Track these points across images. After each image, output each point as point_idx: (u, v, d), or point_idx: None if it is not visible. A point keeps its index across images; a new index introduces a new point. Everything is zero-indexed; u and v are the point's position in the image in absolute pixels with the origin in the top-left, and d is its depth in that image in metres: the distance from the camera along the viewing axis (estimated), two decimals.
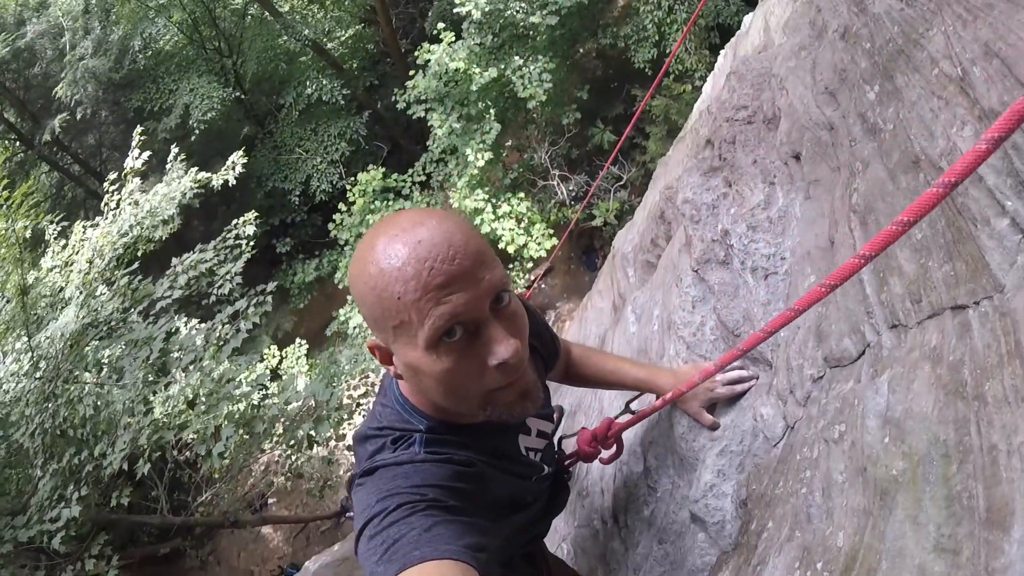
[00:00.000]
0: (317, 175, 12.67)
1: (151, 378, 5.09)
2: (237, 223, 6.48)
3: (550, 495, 1.59)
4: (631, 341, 2.67)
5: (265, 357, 11.81)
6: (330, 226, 11.15)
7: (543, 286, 12.42)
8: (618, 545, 2.10)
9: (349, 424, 8.09)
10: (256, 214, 6.71)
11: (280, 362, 12.06)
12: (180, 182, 6.17)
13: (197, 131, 11.95)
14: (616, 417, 1.79)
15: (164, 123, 12.42)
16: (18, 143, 13.49)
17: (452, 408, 1.11)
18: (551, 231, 9.91)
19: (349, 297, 11.67)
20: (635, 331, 2.69)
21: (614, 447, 1.70)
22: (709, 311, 1.82)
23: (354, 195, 10.56)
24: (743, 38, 2.78)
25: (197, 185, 6.24)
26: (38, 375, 4.88)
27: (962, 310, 0.97)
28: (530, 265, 10.78)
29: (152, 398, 4.98)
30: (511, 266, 10.88)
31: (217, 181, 6.47)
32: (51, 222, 6.78)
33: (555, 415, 1.56)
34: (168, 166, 6.69)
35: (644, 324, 2.56)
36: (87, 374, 5.23)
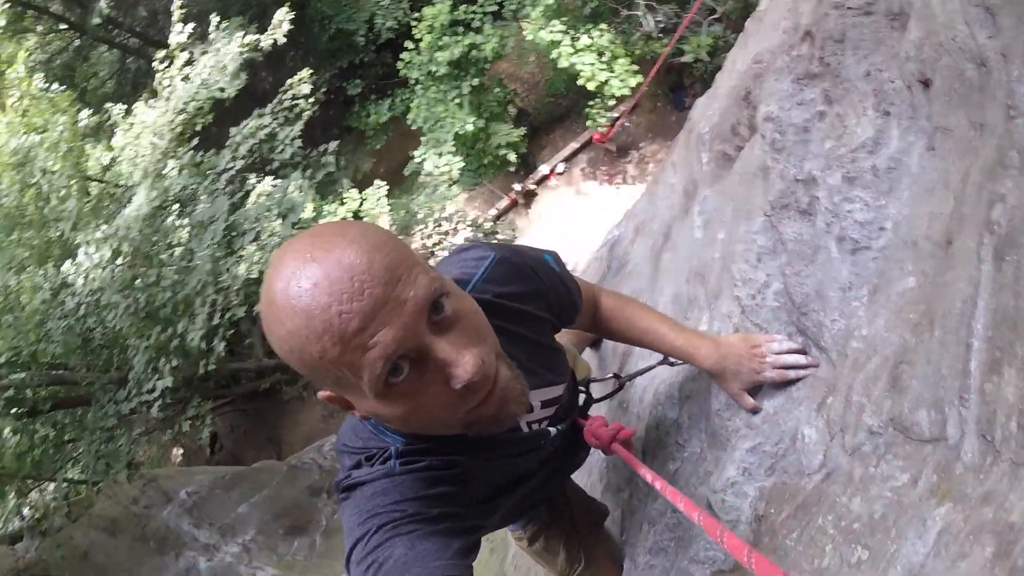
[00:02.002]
0: (381, 12, 11.88)
1: (219, 255, 5.17)
2: (292, 82, 6.15)
3: (565, 451, 1.47)
4: (693, 252, 2.33)
5: (345, 200, 11.98)
6: (398, 65, 10.58)
7: (627, 124, 11.57)
8: (643, 483, 1.98)
9: None
10: (311, 71, 6.34)
11: (361, 204, 12.25)
12: (227, 49, 5.82)
13: None
14: (645, 370, 1.74)
15: None
16: (70, 30, 13.32)
17: (434, 434, 1.03)
18: (635, 67, 8.96)
19: (423, 137, 11.42)
20: (700, 238, 2.33)
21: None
22: (777, 271, 1.46)
23: (420, 31, 9.84)
24: None
25: (246, 48, 5.87)
26: (119, 262, 5.07)
27: None
28: (612, 103, 9.96)
29: (226, 268, 5.10)
30: (591, 103, 10.12)
31: (265, 42, 6.07)
32: (113, 104, 6.71)
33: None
34: (211, 36, 6.31)
35: (708, 240, 2.20)
36: (164, 256, 5.40)
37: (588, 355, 3.20)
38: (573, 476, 1.91)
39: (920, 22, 1.21)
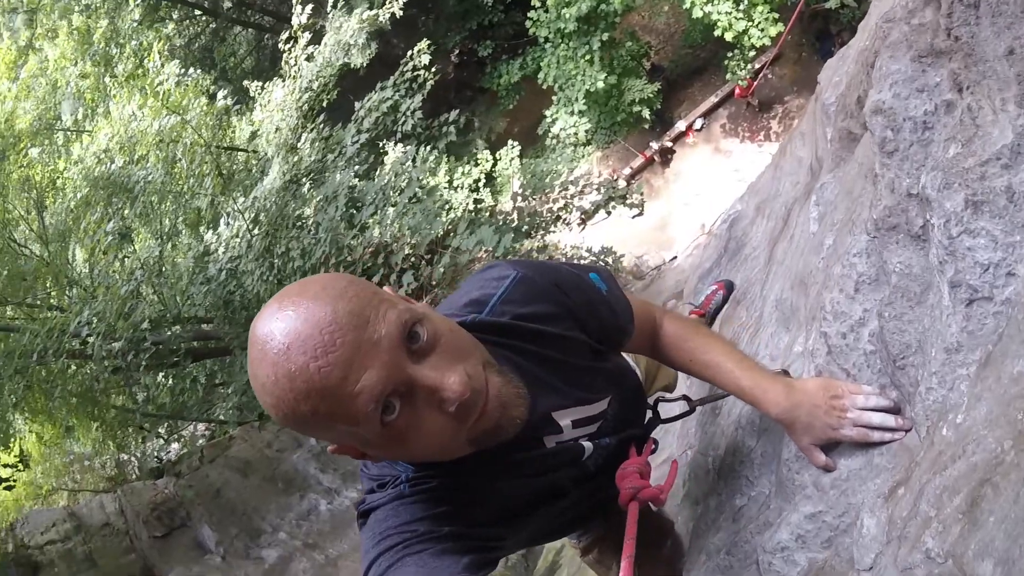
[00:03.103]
0: None
1: (342, 230, 5.39)
2: (412, 53, 6.17)
3: (613, 468, 1.35)
4: (804, 248, 2.04)
5: (479, 162, 12.07)
6: (527, 24, 10.35)
7: (770, 77, 10.57)
8: (713, 506, 1.81)
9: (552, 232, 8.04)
10: (432, 41, 6.30)
11: (494, 165, 12.30)
12: (347, 26, 5.94)
13: None
14: (717, 397, 1.66)
15: None
16: (204, 16, 14.17)
17: (447, 458, 1.02)
18: (776, 14, 8.09)
19: (555, 97, 11.15)
20: (814, 233, 2.03)
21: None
22: (875, 308, 1.17)
23: None
24: None
25: (365, 24, 5.96)
26: (256, 231, 5.45)
27: None
28: (752, 54, 9.11)
29: (348, 241, 5.32)
30: (730, 55, 9.32)
31: (383, 16, 6.12)
32: (250, 82, 7.11)
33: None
34: (329, 14, 6.45)
35: (819, 241, 1.90)
36: (294, 228, 5.73)
37: None
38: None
39: None
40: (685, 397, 1.64)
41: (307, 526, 6.74)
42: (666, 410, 1.60)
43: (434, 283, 5.37)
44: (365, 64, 6.84)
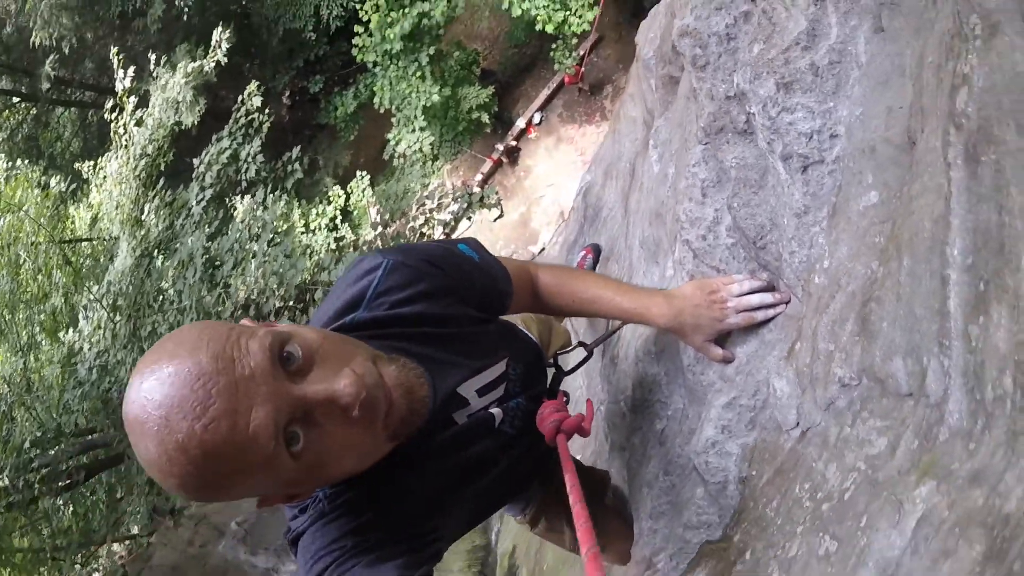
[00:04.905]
0: (324, 2, 11.55)
1: (205, 294, 5.09)
2: (242, 98, 5.94)
3: (533, 429, 1.34)
4: (652, 189, 2.17)
5: (331, 199, 11.79)
6: (354, 51, 10.26)
7: (595, 59, 11.14)
8: (638, 443, 1.87)
9: None
10: (257, 83, 6.10)
11: (347, 199, 12.05)
12: (173, 82, 5.63)
13: (187, 7, 10.93)
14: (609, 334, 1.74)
15: (151, 15, 11.50)
16: (23, 102, 13.23)
17: (370, 464, 0.98)
18: (590, 0, 8.56)
19: (394, 118, 11.13)
20: (656, 173, 2.16)
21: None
22: (724, 205, 1.26)
23: (366, 13, 9.49)
24: None
25: (191, 78, 5.67)
26: (117, 318, 5.03)
27: None
28: (575, 41, 9.55)
29: (218, 300, 5.02)
30: (554, 46, 9.72)
31: (209, 65, 5.86)
32: (81, 163, 6.64)
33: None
34: (153, 74, 6.12)
35: (662, 175, 2.03)
36: (156, 304, 5.35)
37: (583, 324, 3.03)
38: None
39: None
40: (581, 343, 1.69)
41: None
42: (567, 363, 1.64)
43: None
44: (196, 122, 6.50)
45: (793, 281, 1.07)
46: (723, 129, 1.24)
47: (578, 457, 2.04)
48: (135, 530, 7.67)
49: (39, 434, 5.71)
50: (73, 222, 8.01)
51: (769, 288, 1.19)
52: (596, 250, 3.10)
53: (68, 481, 6.09)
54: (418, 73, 10.34)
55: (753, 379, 1.19)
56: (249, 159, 5.71)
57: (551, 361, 1.59)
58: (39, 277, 6.61)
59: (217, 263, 5.43)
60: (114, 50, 6.57)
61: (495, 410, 1.22)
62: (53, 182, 7.57)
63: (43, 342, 7.42)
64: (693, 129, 1.37)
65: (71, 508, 7.16)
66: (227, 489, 0.82)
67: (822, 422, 0.91)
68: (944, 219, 0.66)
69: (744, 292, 1.20)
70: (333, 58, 13.06)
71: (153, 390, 0.77)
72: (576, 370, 1.64)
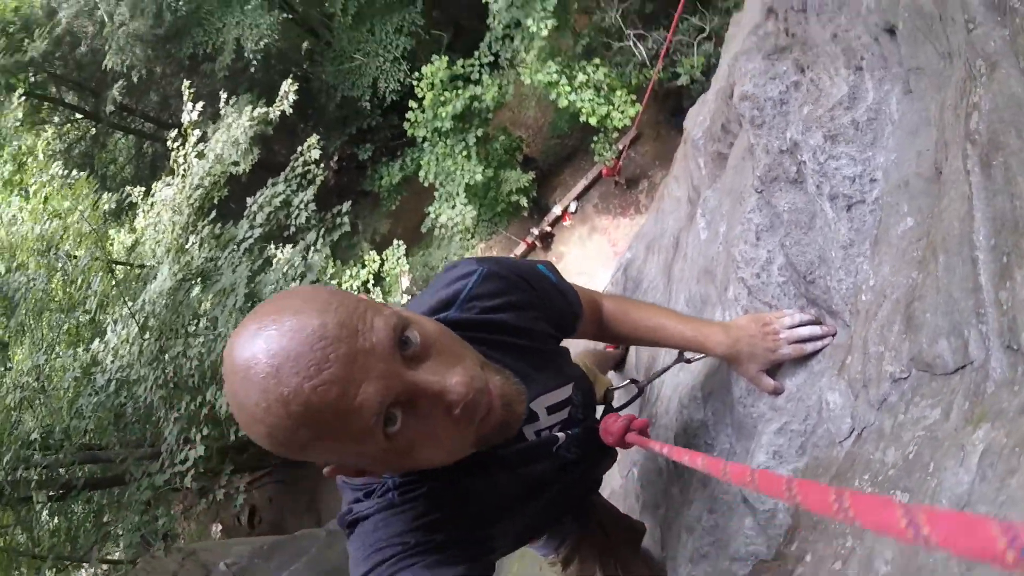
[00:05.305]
0: (383, 76, 12.24)
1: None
2: (301, 149, 6.35)
3: (585, 458, 1.39)
4: (700, 252, 2.31)
5: (366, 263, 12.16)
6: (405, 125, 10.86)
7: (633, 155, 11.65)
8: (677, 493, 1.90)
9: None
10: (318, 138, 6.52)
11: (381, 265, 12.41)
12: (237, 124, 6.07)
13: (255, 61, 11.75)
14: (664, 370, 1.74)
15: (220, 62, 12.30)
16: (86, 120, 13.93)
17: (450, 462, 0.98)
18: (633, 96, 9.07)
19: (437, 193, 11.63)
20: (705, 239, 2.32)
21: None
22: (777, 245, 1.42)
23: (422, 90, 10.11)
24: None
25: (255, 122, 6.11)
26: (146, 336, 5.18)
27: None
28: (615, 135, 10.05)
29: None
30: (595, 139, 10.23)
31: (274, 113, 6.32)
32: (132, 187, 7.02)
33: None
34: (222, 111, 6.60)
35: (711, 237, 2.18)
36: (190, 327, 5.52)
37: (612, 377, 3.14)
38: (610, 502, 1.87)
39: None
40: (633, 380, 1.78)
41: None
42: (618, 401, 1.73)
43: None
44: (248, 169, 6.92)
45: (841, 307, 1.21)
46: (777, 178, 1.42)
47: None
48: (118, 555, 7.53)
49: (48, 430, 5.76)
50: (112, 244, 8.32)
51: (816, 322, 1.30)
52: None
53: (61, 491, 6.08)
54: (464, 152, 10.86)
55: (803, 405, 1.28)
56: (301, 206, 6.03)
57: (602, 398, 1.64)
58: (71, 288, 6.82)
59: (257, 298, 5.65)
60: (186, 83, 7.05)
61: (559, 433, 1.26)
62: (104, 197, 7.94)
63: (61, 352, 7.58)
64: (749, 181, 1.55)
65: (55, 520, 7.09)
66: (311, 450, 0.81)
67: (876, 420, 1.01)
68: (969, 215, 0.81)
69: (795, 324, 1.31)
70: (384, 129, 13.72)
71: (271, 339, 0.75)
72: (626, 407, 1.72)
